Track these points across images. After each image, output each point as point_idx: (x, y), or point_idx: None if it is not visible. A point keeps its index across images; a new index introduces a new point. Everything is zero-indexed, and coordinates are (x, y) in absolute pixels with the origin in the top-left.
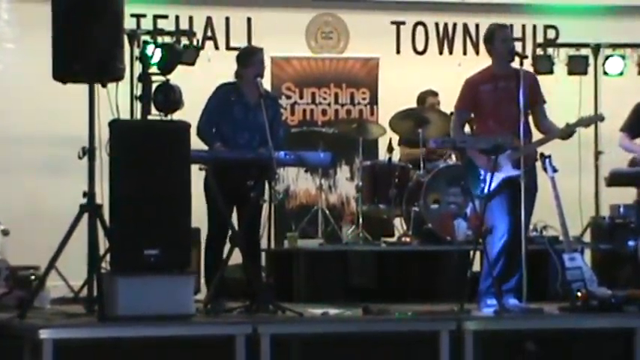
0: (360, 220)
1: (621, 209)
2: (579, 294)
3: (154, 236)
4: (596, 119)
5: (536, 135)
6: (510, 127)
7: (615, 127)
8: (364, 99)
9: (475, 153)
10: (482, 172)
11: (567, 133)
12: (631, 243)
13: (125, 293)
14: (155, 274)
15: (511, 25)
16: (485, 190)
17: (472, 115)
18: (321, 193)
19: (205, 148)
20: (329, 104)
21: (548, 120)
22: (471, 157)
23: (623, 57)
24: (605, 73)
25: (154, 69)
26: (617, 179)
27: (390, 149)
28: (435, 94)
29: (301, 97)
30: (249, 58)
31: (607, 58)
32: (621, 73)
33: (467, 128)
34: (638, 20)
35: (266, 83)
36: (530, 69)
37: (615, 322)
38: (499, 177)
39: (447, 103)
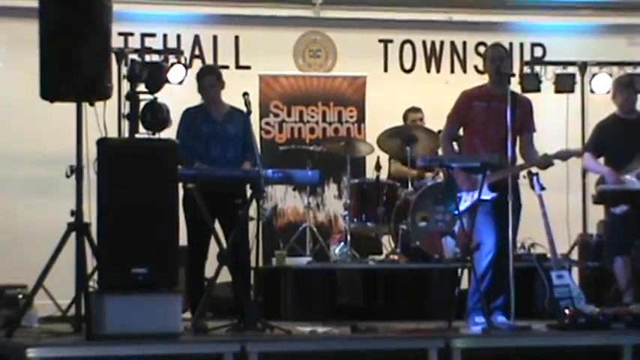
0: (348, 237)
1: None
2: (567, 311)
3: (142, 255)
4: (574, 153)
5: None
6: (495, 149)
7: None
8: (352, 117)
9: (457, 172)
10: (461, 191)
11: (545, 163)
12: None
13: (113, 312)
14: (143, 293)
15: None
16: (461, 208)
17: (460, 132)
18: (309, 211)
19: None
20: (317, 122)
21: (533, 148)
22: (450, 174)
23: (609, 75)
24: (592, 91)
25: (141, 87)
26: (604, 197)
27: (378, 167)
28: (416, 110)
29: (289, 115)
30: (200, 83)
31: (594, 76)
32: (608, 91)
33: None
34: (624, 38)
35: (254, 101)
36: (518, 87)
37: (603, 340)
38: (474, 197)
39: (435, 121)
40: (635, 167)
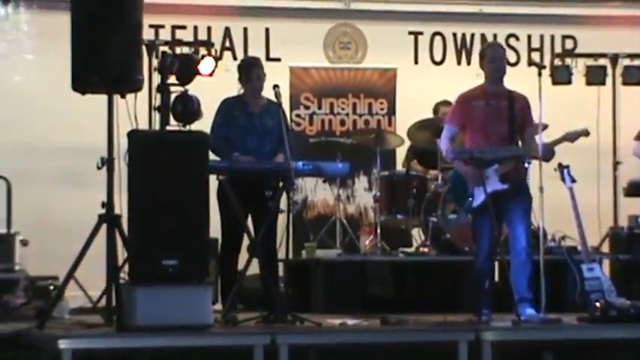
0: (378, 230)
1: (639, 219)
2: (598, 304)
3: (173, 246)
4: (581, 134)
5: None
6: (497, 145)
7: (633, 137)
8: (382, 109)
9: (461, 166)
10: (470, 186)
11: (547, 152)
12: None
13: (143, 303)
14: (173, 285)
15: (529, 36)
16: (474, 204)
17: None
18: (339, 204)
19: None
20: (347, 114)
21: (534, 142)
22: (459, 171)
23: None
24: (624, 83)
25: (172, 79)
26: (635, 189)
27: (408, 159)
28: (448, 103)
29: (319, 108)
30: (246, 75)
31: (625, 68)
32: (639, 83)
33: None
34: None
35: (284, 93)
36: (549, 79)
37: (634, 333)
38: (487, 192)
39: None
40: None
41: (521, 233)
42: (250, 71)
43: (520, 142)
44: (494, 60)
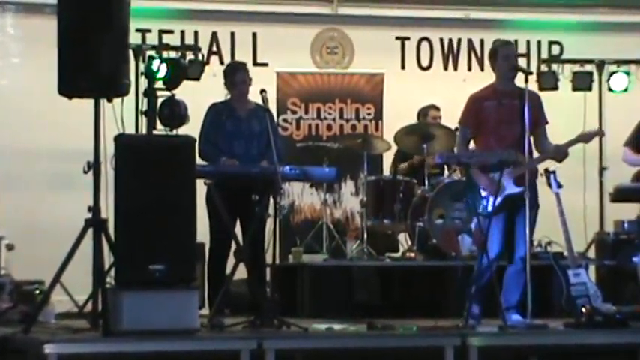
0: (365, 235)
1: (625, 225)
2: (584, 310)
3: (159, 251)
4: (596, 134)
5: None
6: (511, 145)
7: (619, 144)
8: (369, 114)
9: (477, 173)
10: (485, 193)
11: (562, 152)
12: (635, 259)
13: (130, 308)
14: (160, 289)
15: (515, 41)
16: (489, 209)
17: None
18: (325, 208)
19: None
20: (334, 119)
21: (548, 141)
22: (473, 177)
23: (627, 73)
24: (610, 90)
25: (159, 84)
26: (621, 195)
27: (395, 164)
28: (437, 108)
29: (306, 112)
30: (231, 79)
31: (611, 74)
32: (625, 89)
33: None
34: None
35: (271, 98)
36: (535, 85)
37: (620, 338)
38: (502, 195)
39: (451, 119)
40: None
41: (524, 242)
42: (235, 75)
43: (533, 141)
44: (507, 58)
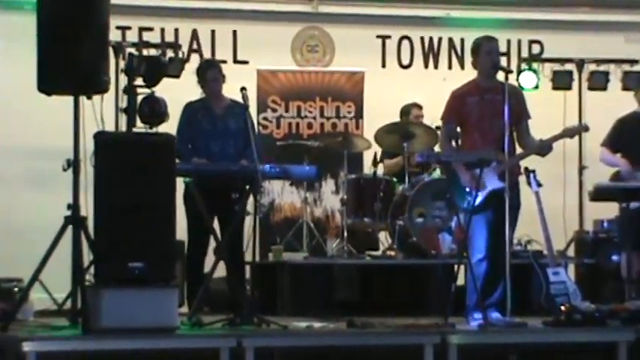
0: (345, 233)
1: (605, 224)
2: (563, 308)
3: (139, 249)
4: (580, 129)
5: (518, 150)
6: (495, 141)
7: (599, 143)
8: (349, 112)
9: (460, 168)
10: (467, 188)
11: (545, 148)
12: (614, 257)
13: (109, 306)
14: (139, 287)
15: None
16: (472, 204)
17: (458, 129)
18: (306, 207)
19: None
20: (314, 117)
21: (530, 136)
22: (456, 172)
23: (606, 72)
24: (590, 88)
25: (139, 81)
26: (600, 194)
27: (376, 163)
28: (419, 106)
29: (287, 111)
30: (202, 77)
31: (591, 73)
32: (605, 89)
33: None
34: (621, 35)
35: (252, 96)
36: (515, 84)
37: (598, 336)
38: (485, 190)
39: (432, 117)
40: None
41: (505, 240)
42: (206, 74)
43: (516, 136)
44: (491, 53)
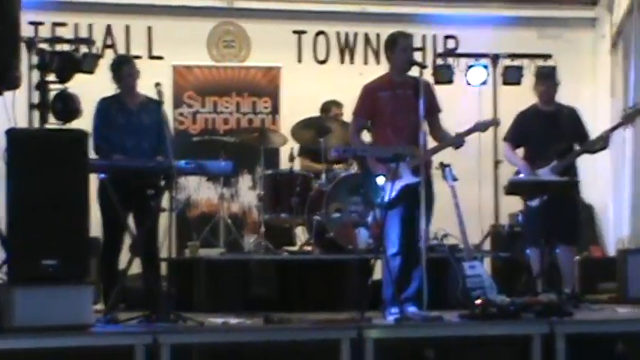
0: (262, 229)
1: (519, 218)
2: (479, 302)
3: (52, 246)
4: (492, 123)
5: (432, 144)
6: (408, 136)
7: None
8: (266, 108)
9: (373, 162)
10: (381, 181)
11: (458, 142)
12: (528, 251)
13: (22, 304)
14: (53, 285)
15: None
16: (386, 199)
17: (369, 123)
18: (222, 202)
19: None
20: (231, 113)
21: (443, 129)
22: (370, 166)
23: (520, 67)
24: (504, 83)
25: (52, 77)
26: (515, 188)
27: (292, 158)
28: (339, 104)
29: (203, 106)
30: (117, 73)
31: (505, 68)
32: (519, 83)
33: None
34: (534, 31)
35: (167, 91)
36: (431, 79)
37: (513, 329)
38: (399, 185)
39: (348, 113)
40: (550, 161)
41: (419, 234)
42: (121, 69)
43: (429, 130)
44: (406, 49)
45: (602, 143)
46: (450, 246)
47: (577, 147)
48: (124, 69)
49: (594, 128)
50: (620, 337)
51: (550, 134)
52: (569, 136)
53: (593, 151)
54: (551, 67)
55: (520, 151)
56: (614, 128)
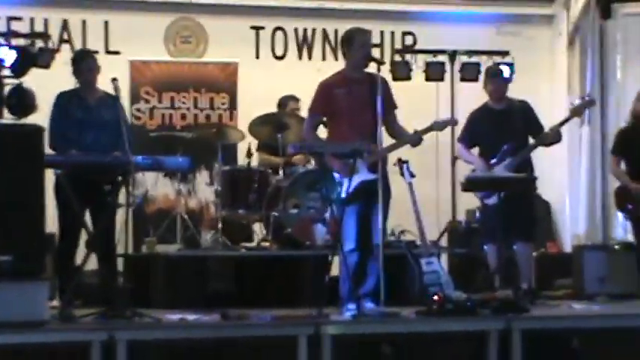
0: (220, 225)
1: (477, 214)
2: (435, 298)
3: (7, 242)
4: (449, 123)
5: (388, 141)
6: (364, 133)
7: None
8: (223, 104)
9: (330, 158)
10: (338, 177)
11: (416, 140)
12: (486, 247)
13: None
14: (8, 281)
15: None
16: (343, 195)
17: (324, 119)
18: (180, 198)
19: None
20: (188, 109)
21: (399, 125)
22: (327, 162)
23: (478, 64)
24: (462, 79)
25: (6, 72)
26: (472, 184)
27: (249, 154)
28: (296, 99)
29: (160, 102)
30: (77, 67)
31: (463, 64)
32: (477, 80)
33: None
34: (492, 28)
35: (124, 87)
36: (388, 75)
37: (469, 325)
38: (355, 181)
39: (306, 109)
40: (503, 159)
41: (379, 229)
42: (81, 64)
43: (385, 127)
44: (365, 46)
45: (553, 137)
46: (407, 242)
47: (531, 141)
48: (84, 63)
49: (552, 124)
50: (576, 333)
51: (501, 132)
52: (522, 132)
53: (548, 144)
54: (499, 65)
55: (475, 151)
56: (563, 122)
